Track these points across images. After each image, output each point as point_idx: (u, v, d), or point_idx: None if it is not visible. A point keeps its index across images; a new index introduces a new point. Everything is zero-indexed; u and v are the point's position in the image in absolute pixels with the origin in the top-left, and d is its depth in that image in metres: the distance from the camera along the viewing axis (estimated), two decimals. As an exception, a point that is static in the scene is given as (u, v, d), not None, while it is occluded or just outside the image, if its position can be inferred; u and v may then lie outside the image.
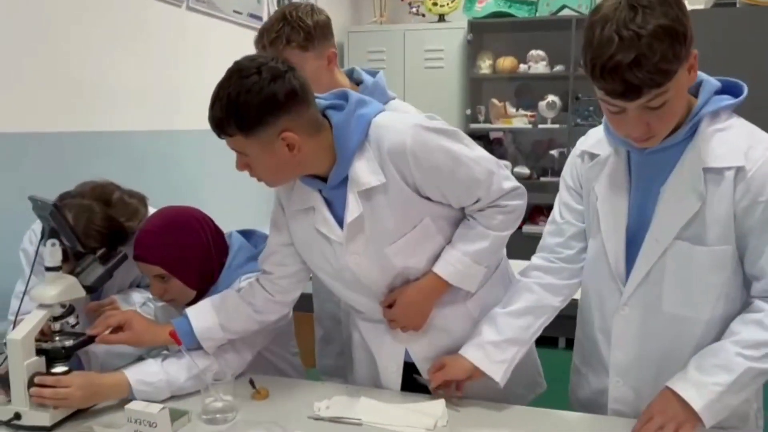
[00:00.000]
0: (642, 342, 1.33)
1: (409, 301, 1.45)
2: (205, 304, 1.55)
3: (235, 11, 3.18)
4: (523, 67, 4.31)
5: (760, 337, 1.20)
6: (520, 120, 4.35)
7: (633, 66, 1.07)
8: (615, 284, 1.34)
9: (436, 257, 1.45)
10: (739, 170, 1.19)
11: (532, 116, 4.32)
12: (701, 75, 1.26)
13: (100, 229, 1.63)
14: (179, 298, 1.61)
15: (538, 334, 1.48)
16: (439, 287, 1.45)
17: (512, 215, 1.46)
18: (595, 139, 1.39)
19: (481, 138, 4.58)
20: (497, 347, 1.43)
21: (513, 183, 1.45)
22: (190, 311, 1.54)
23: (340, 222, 1.41)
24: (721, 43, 3.60)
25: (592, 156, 1.38)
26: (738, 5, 3.71)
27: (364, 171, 1.35)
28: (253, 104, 1.25)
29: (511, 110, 4.40)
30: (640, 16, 1.08)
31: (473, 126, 4.42)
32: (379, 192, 1.36)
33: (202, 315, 1.52)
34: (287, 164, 1.33)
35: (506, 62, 4.32)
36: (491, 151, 4.35)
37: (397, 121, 1.37)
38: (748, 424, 1.34)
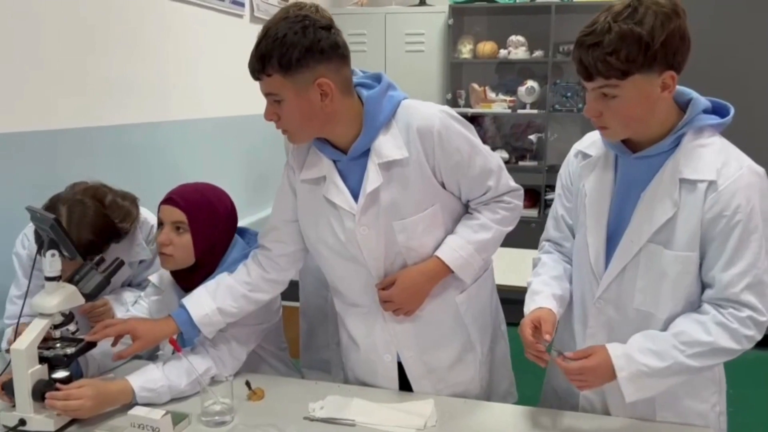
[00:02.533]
0: (612, 335, 1.42)
1: (409, 281, 1.51)
2: (199, 291, 1.60)
3: (217, -2, 3.15)
4: (503, 52, 4.35)
5: (699, 337, 1.29)
6: (499, 105, 4.41)
7: (589, 49, 1.22)
8: (594, 278, 1.43)
9: (435, 248, 1.53)
10: (711, 184, 1.28)
11: (511, 101, 4.38)
12: (692, 93, 1.34)
13: (94, 221, 1.67)
14: (178, 256, 1.62)
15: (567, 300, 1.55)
16: (439, 272, 1.53)
17: (513, 213, 1.57)
18: (590, 141, 1.49)
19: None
20: (557, 299, 1.48)
21: (516, 184, 1.58)
22: (187, 301, 1.58)
23: (353, 194, 1.48)
24: (695, 27, 3.67)
25: (585, 156, 1.48)
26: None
27: (389, 145, 1.44)
28: (298, 44, 1.31)
29: (491, 95, 4.45)
30: (626, 14, 1.20)
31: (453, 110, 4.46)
32: (400, 166, 1.45)
33: (199, 302, 1.57)
34: (316, 115, 1.39)
35: (486, 47, 4.35)
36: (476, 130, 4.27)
37: (426, 105, 1.49)
38: (707, 422, 1.44)
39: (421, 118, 1.44)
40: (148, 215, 1.92)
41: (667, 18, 1.20)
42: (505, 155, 4.48)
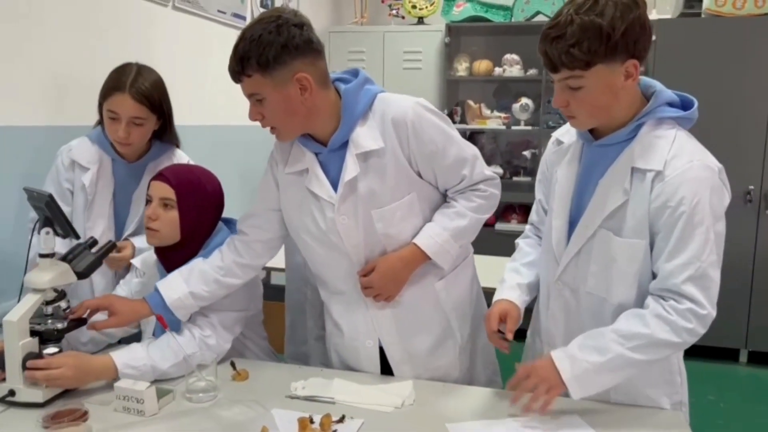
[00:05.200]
0: (569, 317, 1.47)
1: (388, 267, 1.57)
2: (174, 275, 1.65)
3: (219, 11, 3.26)
4: (498, 70, 4.45)
5: (637, 329, 1.31)
6: (494, 121, 4.49)
7: (553, 41, 1.28)
8: (554, 261, 1.49)
9: (413, 236, 1.58)
10: (658, 174, 1.31)
11: (506, 118, 4.46)
12: (657, 85, 1.39)
13: (158, 78, 1.90)
14: (164, 231, 1.66)
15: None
16: (417, 258, 1.58)
17: (489, 201, 1.62)
18: (566, 129, 1.55)
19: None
20: (523, 289, 1.58)
21: (491, 173, 1.63)
22: (161, 285, 1.64)
23: (334, 185, 1.54)
24: (687, 51, 3.79)
25: (560, 143, 1.54)
26: (703, 16, 3.88)
27: (366, 136, 1.51)
28: (274, 43, 1.39)
29: (486, 112, 4.53)
30: (587, 6, 1.26)
31: (449, 126, 4.55)
32: (376, 157, 1.51)
33: (172, 286, 1.62)
34: (298, 109, 1.46)
35: (482, 65, 4.45)
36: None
37: (401, 97, 1.55)
38: (674, 400, 1.47)
39: (395, 109, 1.50)
40: (183, 154, 2.07)
41: (627, 8, 1.25)
42: (500, 171, 4.54)
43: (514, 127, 4.45)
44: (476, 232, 1.66)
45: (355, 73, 1.56)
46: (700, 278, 1.29)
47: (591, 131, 1.43)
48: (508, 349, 1.51)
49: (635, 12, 1.26)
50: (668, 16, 4.03)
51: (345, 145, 1.52)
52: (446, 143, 1.53)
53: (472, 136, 4.77)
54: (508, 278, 1.60)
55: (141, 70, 1.89)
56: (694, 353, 3.87)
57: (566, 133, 1.54)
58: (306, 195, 1.58)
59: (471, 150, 1.59)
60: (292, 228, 1.66)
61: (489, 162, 4.63)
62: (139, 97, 1.84)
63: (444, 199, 1.64)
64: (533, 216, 1.69)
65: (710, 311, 1.30)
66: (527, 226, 1.72)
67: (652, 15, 4.06)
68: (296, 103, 1.45)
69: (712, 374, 3.76)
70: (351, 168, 1.51)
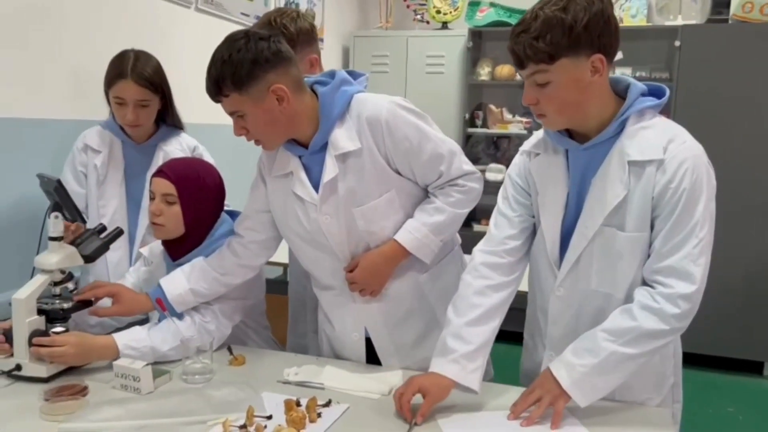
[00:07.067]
0: (573, 319, 1.47)
1: (370, 263, 1.61)
2: (176, 273, 1.72)
3: (242, 13, 3.36)
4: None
5: (625, 324, 1.32)
6: (515, 126, 4.49)
7: (518, 36, 1.29)
8: (551, 269, 1.48)
9: (395, 232, 1.62)
10: (660, 163, 1.32)
11: (527, 122, 4.46)
12: (628, 80, 1.40)
13: (157, 64, 2.01)
14: (169, 226, 1.72)
15: (497, 330, 1.53)
16: (398, 254, 1.61)
17: (469, 195, 1.64)
18: (535, 140, 1.52)
19: (483, 139, 4.73)
20: (469, 358, 1.44)
21: (472, 167, 1.65)
22: (164, 281, 1.70)
23: (316, 187, 1.59)
24: (714, 56, 3.75)
25: (536, 155, 1.52)
26: (730, 21, 3.83)
27: (343, 137, 1.55)
28: (244, 61, 1.44)
29: (508, 116, 4.54)
30: (553, 2, 1.28)
31: (470, 130, 4.57)
32: (355, 157, 1.55)
33: (174, 283, 1.69)
34: (278, 119, 1.51)
35: (504, 69, 4.46)
36: (493, 151, 4.42)
37: (377, 97, 1.58)
38: (662, 394, 1.47)
39: (369, 109, 1.54)
40: (189, 137, 2.19)
41: (590, 3, 1.27)
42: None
43: (534, 132, 4.43)
44: (457, 226, 1.68)
45: (332, 74, 1.60)
46: (699, 256, 1.30)
47: (574, 137, 1.41)
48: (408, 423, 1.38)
49: (599, 6, 1.27)
50: (695, 22, 3.98)
51: (325, 146, 1.57)
52: (421, 140, 1.55)
53: (496, 141, 4.78)
54: (450, 345, 1.44)
55: (139, 55, 2.00)
56: (716, 365, 3.83)
57: (538, 144, 1.50)
58: (291, 197, 1.63)
59: (448, 146, 1.60)
60: (281, 228, 1.71)
61: (509, 165, 4.63)
62: (142, 81, 1.94)
63: (427, 193, 1.66)
64: (501, 231, 1.53)
65: (700, 286, 1.31)
66: (487, 247, 1.53)
67: (678, 20, 4.02)
68: (276, 113, 1.50)
69: (734, 386, 3.68)
70: (330, 169, 1.56)
